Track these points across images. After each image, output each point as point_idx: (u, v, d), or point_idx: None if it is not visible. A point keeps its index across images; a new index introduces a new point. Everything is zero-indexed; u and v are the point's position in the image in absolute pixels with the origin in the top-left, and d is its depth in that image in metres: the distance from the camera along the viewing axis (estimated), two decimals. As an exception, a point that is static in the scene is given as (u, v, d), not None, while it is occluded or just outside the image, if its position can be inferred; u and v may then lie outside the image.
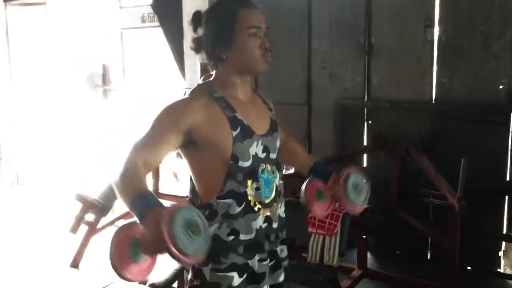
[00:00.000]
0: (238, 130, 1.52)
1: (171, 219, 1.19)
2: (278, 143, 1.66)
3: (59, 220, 4.48)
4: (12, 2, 6.22)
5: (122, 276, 1.27)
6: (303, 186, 1.78)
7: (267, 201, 1.58)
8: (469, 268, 3.58)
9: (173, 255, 1.19)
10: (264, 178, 1.57)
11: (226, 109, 1.53)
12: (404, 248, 3.88)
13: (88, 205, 3.65)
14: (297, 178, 3.53)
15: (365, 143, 3.99)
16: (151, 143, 1.46)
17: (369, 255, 3.50)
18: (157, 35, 5.08)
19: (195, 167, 1.57)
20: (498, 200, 3.51)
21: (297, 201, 3.14)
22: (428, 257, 3.82)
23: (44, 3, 6.05)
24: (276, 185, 1.62)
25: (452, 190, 2.97)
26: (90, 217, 3.79)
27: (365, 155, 4.00)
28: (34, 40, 6.37)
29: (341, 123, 4.06)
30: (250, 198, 1.54)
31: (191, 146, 1.52)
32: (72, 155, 6.23)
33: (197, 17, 1.60)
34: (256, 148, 1.56)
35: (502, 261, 3.56)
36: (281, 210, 1.67)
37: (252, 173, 1.54)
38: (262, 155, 1.58)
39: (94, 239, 3.91)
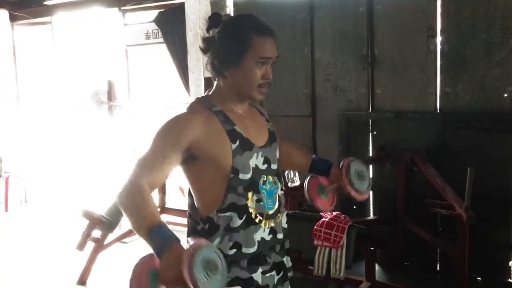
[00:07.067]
0: (237, 143, 1.53)
1: (192, 262, 1.23)
2: (277, 153, 1.67)
3: (67, 237, 4.48)
4: (19, 22, 6.30)
5: None
6: (305, 183, 1.87)
7: (270, 212, 1.59)
8: (479, 278, 3.54)
9: None
10: (267, 189, 1.58)
11: (225, 122, 1.54)
12: (413, 259, 3.84)
13: (95, 221, 3.66)
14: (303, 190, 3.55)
15: (370, 154, 3.98)
16: (155, 162, 1.47)
17: (377, 267, 3.47)
18: (161, 51, 5.12)
19: (195, 181, 1.58)
20: (507, 209, 3.48)
21: (302, 213, 3.15)
22: (438, 268, 3.78)
23: (50, 22, 6.13)
24: (279, 196, 1.63)
25: (459, 200, 2.95)
26: (97, 233, 3.79)
27: (370, 166, 3.99)
28: (41, 58, 6.44)
29: (345, 135, 4.04)
30: (251, 210, 1.54)
31: (191, 161, 1.53)
32: (78, 172, 6.26)
33: (215, 19, 1.58)
34: (256, 160, 1.56)
35: (513, 271, 3.52)
36: (283, 221, 1.68)
37: (253, 185, 1.55)
38: (263, 167, 1.58)
39: (101, 255, 3.91)
